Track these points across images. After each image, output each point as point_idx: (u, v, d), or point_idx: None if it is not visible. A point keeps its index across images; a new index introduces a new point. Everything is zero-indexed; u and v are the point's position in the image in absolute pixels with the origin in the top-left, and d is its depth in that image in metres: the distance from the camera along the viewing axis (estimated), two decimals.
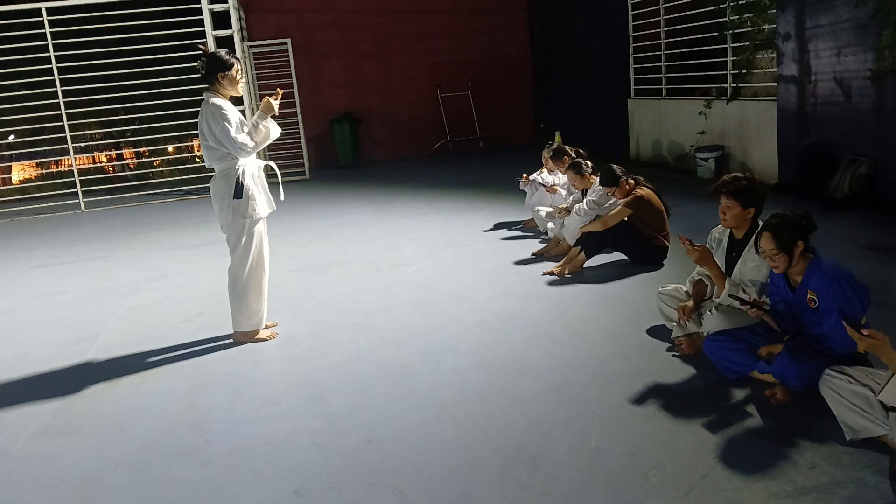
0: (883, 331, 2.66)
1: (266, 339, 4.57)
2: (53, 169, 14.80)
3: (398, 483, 2.84)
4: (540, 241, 6.63)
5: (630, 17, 11.26)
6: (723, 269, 3.69)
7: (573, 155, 6.67)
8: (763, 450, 2.85)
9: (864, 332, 2.62)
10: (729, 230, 3.77)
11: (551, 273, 5.53)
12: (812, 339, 3.14)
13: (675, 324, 3.95)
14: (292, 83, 12.50)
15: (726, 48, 9.10)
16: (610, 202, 5.70)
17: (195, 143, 13.09)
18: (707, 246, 3.82)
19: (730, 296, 3.47)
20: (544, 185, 6.89)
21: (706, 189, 8.11)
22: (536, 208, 6.82)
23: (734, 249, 3.74)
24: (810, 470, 2.68)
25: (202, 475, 3.02)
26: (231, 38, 10.42)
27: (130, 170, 14.22)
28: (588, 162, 6.21)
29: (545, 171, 7.18)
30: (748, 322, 3.46)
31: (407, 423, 3.32)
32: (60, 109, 10.84)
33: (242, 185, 4.29)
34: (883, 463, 2.67)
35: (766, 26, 8.31)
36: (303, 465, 3.03)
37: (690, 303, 3.90)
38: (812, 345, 3.11)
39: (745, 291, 3.49)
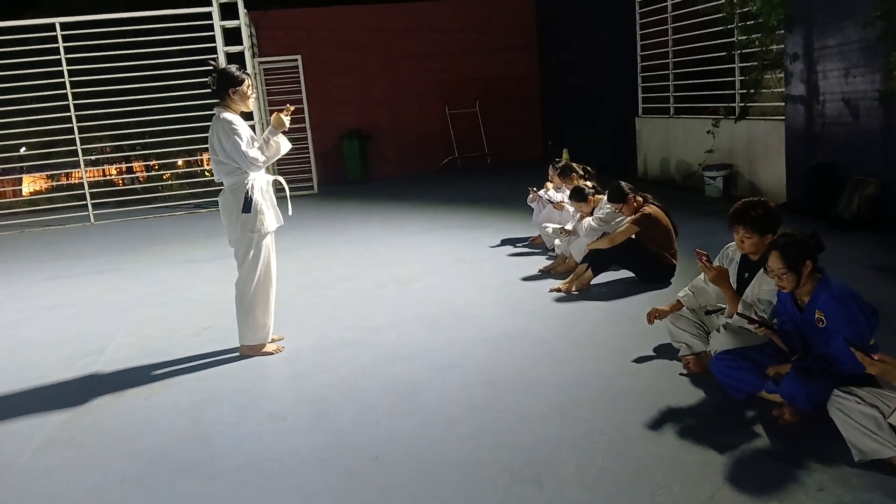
0: (891, 352, 2.65)
1: (272, 353, 4.58)
2: (64, 181, 14.92)
3: (403, 500, 2.82)
4: (547, 258, 6.63)
5: (638, 37, 11.31)
6: (734, 288, 3.69)
7: (581, 172, 6.68)
8: (771, 470, 2.83)
9: (875, 356, 2.60)
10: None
11: (558, 290, 5.52)
12: (820, 360, 3.12)
13: (682, 343, 3.95)
14: (302, 99, 12.58)
15: (734, 68, 9.12)
16: (618, 219, 5.70)
17: (205, 157, 13.20)
18: (719, 263, 3.82)
19: (738, 314, 3.46)
20: (552, 202, 6.89)
21: (714, 208, 8.12)
22: (544, 225, 6.83)
23: (748, 270, 3.73)
24: (819, 492, 2.65)
25: (207, 490, 3.02)
26: (242, 54, 10.52)
27: (140, 183, 14.31)
28: (589, 183, 6.22)
29: (551, 187, 7.19)
30: (756, 341, 3.44)
31: (413, 440, 3.31)
32: (72, 122, 10.94)
33: (251, 200, 4.31)
34: (892, 485, 2.64)
35: (774, 46, 8.33)
36: (308, 481, 3.02)
37: (665, 307, 4.07)
38: (820, 365, 3.10)
39: (756, 312, 3.47)
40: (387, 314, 5.31)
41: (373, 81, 14.71)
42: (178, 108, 11.30)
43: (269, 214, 4.44)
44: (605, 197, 5.77)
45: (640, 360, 4.07)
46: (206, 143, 4.48)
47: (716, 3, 9.24)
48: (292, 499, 2.90)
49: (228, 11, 10.50)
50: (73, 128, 10.98)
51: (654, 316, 4.11)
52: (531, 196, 7.30)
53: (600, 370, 3.96)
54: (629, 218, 5.52)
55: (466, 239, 7.84)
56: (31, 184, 14.96)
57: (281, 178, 4.89)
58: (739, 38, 8.77)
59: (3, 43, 10.49)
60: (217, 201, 4.52)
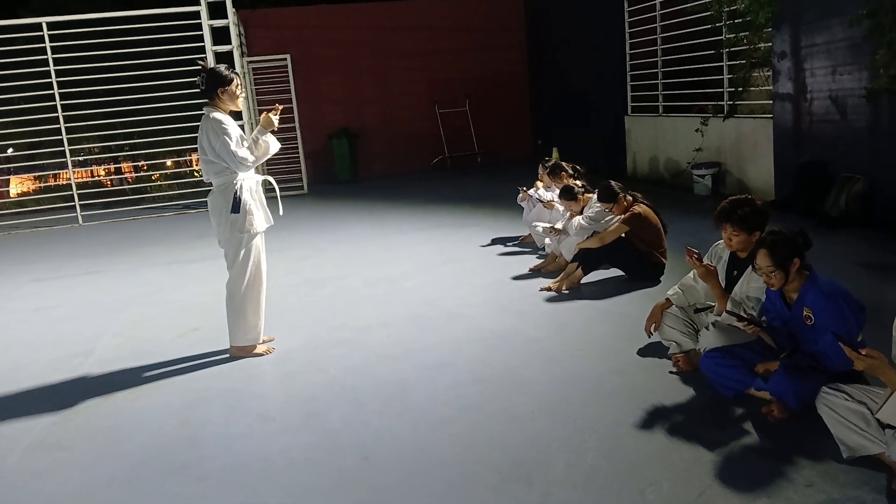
0: (878, 349, 2.66)
1: (262, 354, 4.56)
2: (51, 182, 14.81)
3: (394, 500, 2.82)
4: (537, 257, 6.64)
5: (627, 35, 11.34)
6: (723, 286, 3.70)
7: (570, 171, 6.69)
8: (760, 467, 2.84)
9: (863, 351, 2.62)
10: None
11: (548, 289, 5.53)
12: (809, 357, 3.14)
13: (672, 342, 3.96)
14: (291, 98, 12.55)
15: (723, 66, 9.16)
16: (607, 218, 5.72)
17: (194, 157, 13.13)
18: (708, 261, 3.83)
19: (727, 312, 3.48)
20: (542, 201, 6.90)
21: (703, 206, 8.14)
22: (534, 224, 6.83)
23: (736, 267, 3.75)
24: (807, 488, 2.67)
25: (196, 491, 3.01)
26: (231, 53, 10.47)
27: (129, 184, 14.23)
28: (578, 182, 6.24)
29: (541, 186, 7.20)
30: (745, 339, 3.46)
31: (403, 439, 3.31)
32: (59, 123, 10.87)
33: (240, 200, 4.29)
34: (880, 481, 2.66)
35: (762, 45, 8.37)
36: (297, 481, 3.02)
37: (656, 312, 4.05)
38: (809, 362, 3.12)
39: (745, 310, 3.49)
40: (377, 313, 5.31)
41: (362, 80, 14.69)
42: (166, 108, 11.23)
43: (259, 214, 4.43)
44: (595, 196, 5.78)
45: (629, 358, 4.08)
46: (195, 144, 4.46)
47: (704, 1, 9.27)
48: (282, 499, 2.89)
49: (217, 10, 10.44)
50: (60, 128, 10.91)
51: (650, 329, 4.09)
52: (521, 195, 7.30)
53: (590, 369, 3.97)
54: (619, 217, 5.54)
55: (456, 238, 7.85)
56: (18, 185, 14.83)
57: (271, 178, 4.88)
58: (727, 36, 8.81)
59: None
60: (206, 202, 4.50)
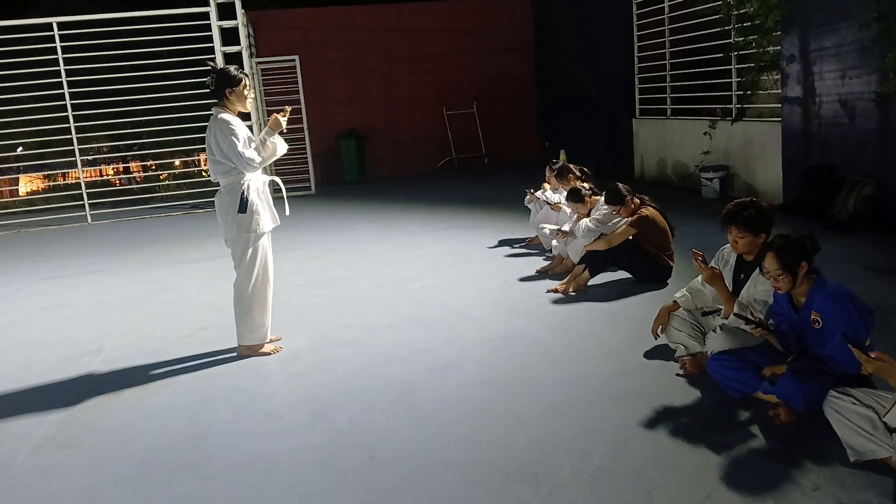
0: (887, 352, 2.65)
1: (270, 353, 4.58)
2: (61, 181, 14.88)
3: (399, 501, 2.83)
4: (544, 259, 6.63)
5: (635, 38, 11.33)
6: (730, 290, 3.69)
7: (577, 173, 6.69)
8: (767, 470, 2.83)
9: (872, 354, 2.61)
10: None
11: (555, 291, 5.53)
12: (816, 360, 3.13)
13: (679, 345, 3.95)
14: (300, 99, 12.57)
15: (731, 69, 9.14)
16: (615, 220, 5.71)
17: (202, 157, 13.17)
18: (715, 265, 3.82)
19: (735, 314, 3.47)
20: (549, 203, 6.90)
21: (710, 209, 8.13)
22: (541, 226, 6.83)
23: (743, 271, 3.74)
24: (814, 491, 2.66)
25: (202, 490, 3.02)
26: (239, 54, 10.51)
27: (137, 183, 14.29)
28: (586, 185, 6.24)
29: (548, 188, 7.20)
30: (752, 342, 3.45)
31: (409, 440, 3.32)
32: (69, 122, 10.93)
33: (247, 200, 4.31)
34: (887, 485, 2.65)
35: (770, 48, 8.35)
36: (303, 481, 3.02)
37: (664, 314, 4.06)
38: (816, 365, 3.11)
39: (752, 313, 3.48)
40: (384, 314, 5.31)
41: (370, 82, 14.71)
42: (175, 109, 11.29)
43: (266, 215, 4.44)
44: (602, 198, 5.78)
45: (636, 360, 4.08)
46: (204, 144, 4.47)
47: (713, 4, 9.26)
48: (288, 499, 2.90)
49: (226, 11, 10.48)
50: (70, 127, 10.97)
51: (657, 332, 4.10)
52: (528, 197, 7.30)
53: (597, 370, 3.97)
54: (626, 219, 5.53)
55: (464, 240, 7.85)
56: (27, 184, 14.92)
57: (278, 179, 4.89)
58: (736, 39, 8.80)
59: (0, 42, 10.49)
60: (213, 201, 4.52)
